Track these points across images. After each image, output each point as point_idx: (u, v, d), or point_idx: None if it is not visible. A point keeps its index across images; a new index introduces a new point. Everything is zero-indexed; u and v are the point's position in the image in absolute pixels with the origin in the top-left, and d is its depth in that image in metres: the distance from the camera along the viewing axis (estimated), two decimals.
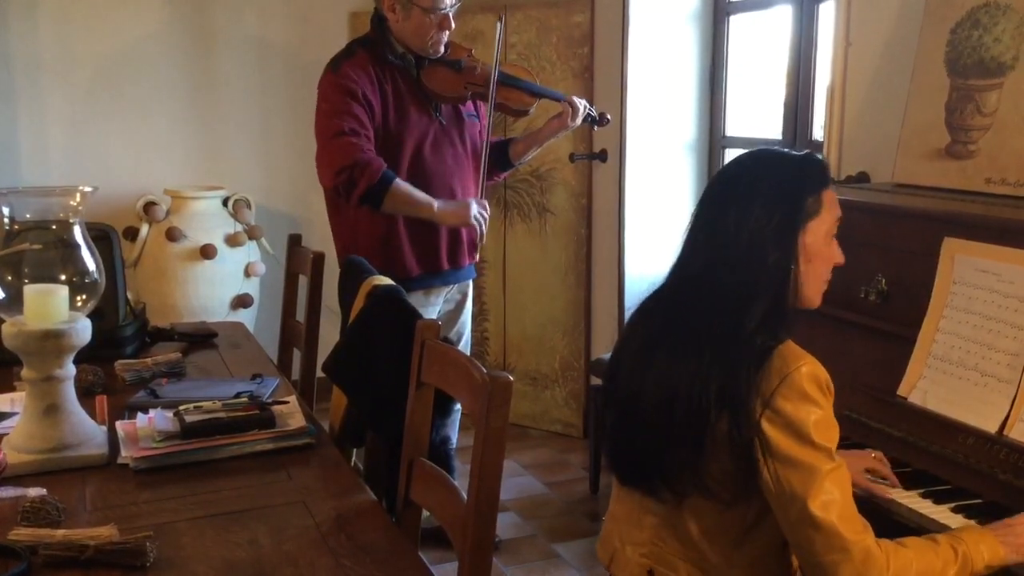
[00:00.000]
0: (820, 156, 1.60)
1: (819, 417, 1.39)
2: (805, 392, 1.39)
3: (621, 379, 1.58)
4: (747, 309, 1.43)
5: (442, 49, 2.91)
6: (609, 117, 3.13)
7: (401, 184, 2.77)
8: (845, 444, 1.79)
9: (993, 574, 1.49)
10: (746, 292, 1.44)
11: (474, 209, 2.86)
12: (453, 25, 2.88)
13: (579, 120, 3.00)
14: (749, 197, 1.48)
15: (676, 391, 1.44)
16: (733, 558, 1.50)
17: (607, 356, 3.51)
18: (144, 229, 4.11)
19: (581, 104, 2.99)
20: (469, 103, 3.01)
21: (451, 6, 2.85)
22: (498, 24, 2.93)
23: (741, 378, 1.39)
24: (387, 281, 2.24)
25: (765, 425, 1.39)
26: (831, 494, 1.38)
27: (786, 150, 1.61)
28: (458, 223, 2.88)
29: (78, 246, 1.80)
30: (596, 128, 3.21)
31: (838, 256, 1.56)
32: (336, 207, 2.95)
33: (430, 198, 2.82)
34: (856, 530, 1.39)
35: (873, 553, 1.38)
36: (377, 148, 2.80)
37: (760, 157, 1.57)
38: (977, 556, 1.45)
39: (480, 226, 2.88)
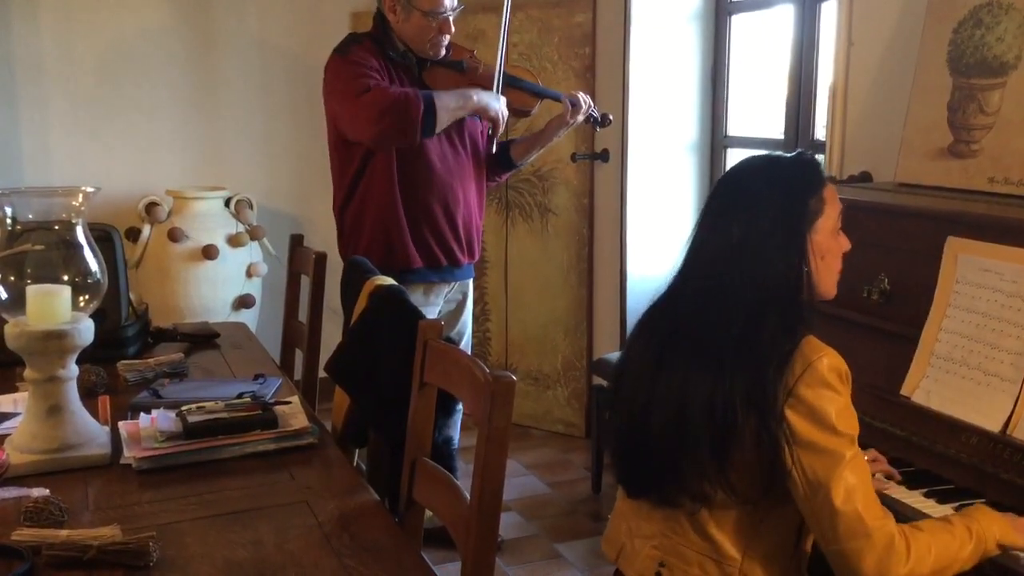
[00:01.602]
0: (811, 154, 1.62)
1: (840, 405, 1.42)
2: (826, 381, 1.41)
3: (627, 392, 1.58)
4: (763, 317, 1.45)
5: (442, 52, 2.92)
6: (611, 118, 3.14)
7: (440, 98, 2.77)
8: None
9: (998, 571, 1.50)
10: (760, 302, 1.46)
11: (503, 104, 2.91)
12: (453, 29, 2.89)
13: (580, 116, 3.00)
14: (750, 209, 1.50)
15: (693, 401, 1.45)
16: (747, 549, 1.51)
17: (609, 356, 3.54)
18: (146, 230, 4.11)
19: (584, 100, 2.99)
20: None
21: (451, 10, 2.85)
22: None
23: (768, 379, 1.41)
24: (389, 281, 2.24)
25: (789, 413, 1.41)
26: (853, 481, 1.40)
27: (778, 154, 1.63)
28: (491, 111, 2.88)
29: (80, 247, 1.80)
30: (598, 129, 3.21)
31: (845, 245, 1.59)
32: (342, 199, 2.95)
33: (466, 92, 2.84)
34: (877, 516, 1.41)
35: (894, 539, 1.40)
36: None
37: (754, 166, 1.59)
38: (989, 534, 1.48)
39: (502, 119, 2.92)
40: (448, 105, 2.77)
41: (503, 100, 2.92)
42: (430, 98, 2.73)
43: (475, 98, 2.84)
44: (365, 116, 2.71)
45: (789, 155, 1.60)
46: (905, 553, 1.40)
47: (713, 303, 1.49)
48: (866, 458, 1.79)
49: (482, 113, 2.89)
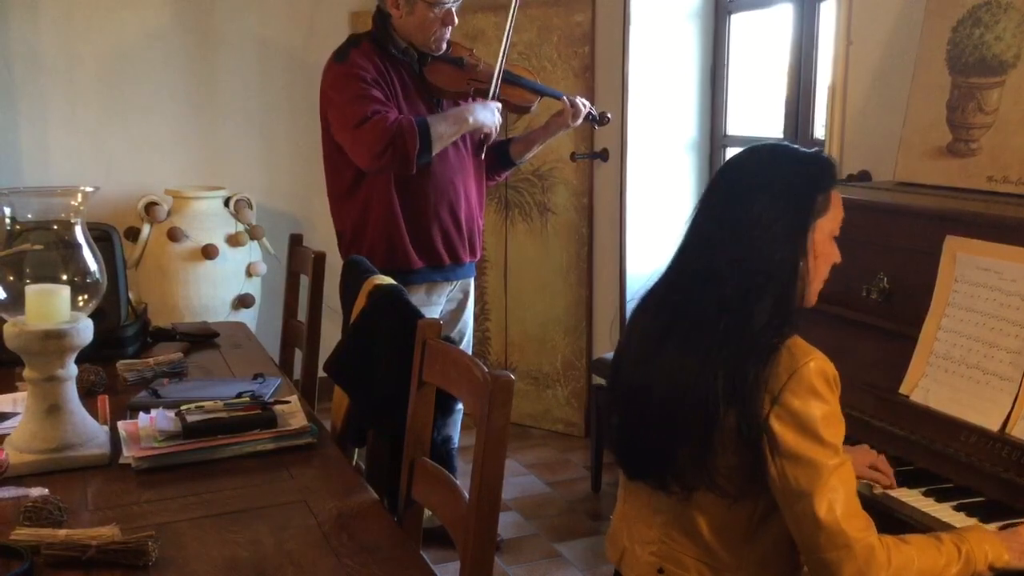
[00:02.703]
0: (830, 156, 1.60)
1: (826, 412, 1.40)
2: (813, 387, 1.39)
3: (626, 373, 1.57)
4: (755, 305, 1.43)
5: (444, 46, 2.91)
6: (610, 116, 3.14)
7: (434, 123, 2.79)
8: (846, 443, 1.79)
9: None
10: (754, 288, 1.44)
11: (497, 116, 2.93)
12: (456, 21, 2.88)
13: (579, 120, 3.01)
14: (759, 191, 1.47)
15: (684, 385, 1.44)
16: (743, 554, 1.50)
17: (609, 355, 3.54)
18: (145, 229, 4.11)
19: (582, 103, 3.00)
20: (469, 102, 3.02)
21: (454, 1, 2.85)
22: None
23: (749, 375, 1.39)
24: (388, 280, 2.24)
25: (773, 421, 1.39)
26: (836, 491, 1.38)
27: (796, 146, 1.60)
28: (487, 127, 2.91)
29: (79, 246, 1.80)
30: (597, 127, 3.22)
31: (837, 256, 1.56)
32: (341, 201, 2.95)
33: (460, 113, 2.86)
34: (859, 527, 1.39)
35: (875, 550, 1.39)
36: None
37: (771, 151, 1.56)
38: (980, 556, 1.45)
39: (494, 135, 2.96)
40: (443, 134, 2.80)
41: (497, 113, 2.92)
42: (425, 128, 2.75)
43: (470, 120, 2.85)
44: (365, 150, 2.74)
45: (806, 149, 1.58)
46: (886, 564, 1.38)
47: (710, 288, 1.47)
48: (871, 452, 1.79)
49: (478, 131, 2.93)
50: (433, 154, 2.79)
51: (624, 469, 1.62)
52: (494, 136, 2.96)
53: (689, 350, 1.46)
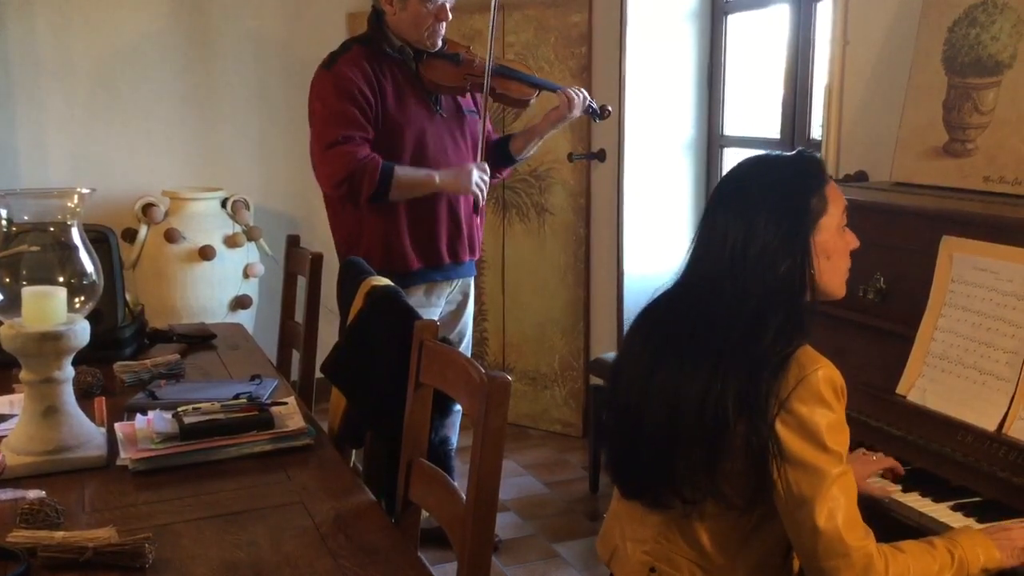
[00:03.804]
0: (812, 152, 1.61)
1: (832, 421, 1.40)
2: (820, 395, 1.40)
3: (622, 390, 1.57)
4: (763, 320, 1.43)
5: (439, 42, 2.91)
6: (610, 109, 3.12)
7: (400, 173, 2.78)
8: None
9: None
10: (761, 304, 1.44)
11: (475, 176, 2.87)
12: (450, 16, 2.88)
13: (577, 111, 3.00)
14: (752, 209, 1.47)
15: (685, 401, 1.44)
16: (737, 559, 1.50)
17: (606, 356, 3.54)
18: (143, 230, 4.11)
19: (578, 96, 2.99)
20: (468, 99, 3.02)
21: None
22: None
23: (762, 387, 1.39)
24: (385, 281, 2.24)
25: (779, 427, 1.39)
26: (837, 500, 1.39)
27: (777, 153, 1.61)
28: (460, 191, 2.89)
29: (76, 248, 1.80)
30: (597, 121, 3.19)
31: (853, 242, 1.57)
32: (337, 205, 2.95)
33: (429, 172, 2.84)
34: (859, 536, 1.40)
35: (873, 559, 1.39)
36: (378, 141, 2.80)
37: (755, 166, 1.56)
38: (973, 559, 1.46)
39: (481, 192, 2.90)
40: (404, 184, 2.78)
41: (477, 174, 2.86)
42: (389, 173, 2.75)
43: (436, 181, 2.83)
44: (326, 173, 2.79)
45: (788, 154, 1.58)
46: (884, 573, 1.39)
47: (714, 306, 1.47)
48: (874, 457, 1.79)
49: (451, 193, 2.89)
50: (389, 199, 2.79)
51: (621, 489, 1.62)
52: (482, 199, 2.93)
53: (690, 367, 1.45)
